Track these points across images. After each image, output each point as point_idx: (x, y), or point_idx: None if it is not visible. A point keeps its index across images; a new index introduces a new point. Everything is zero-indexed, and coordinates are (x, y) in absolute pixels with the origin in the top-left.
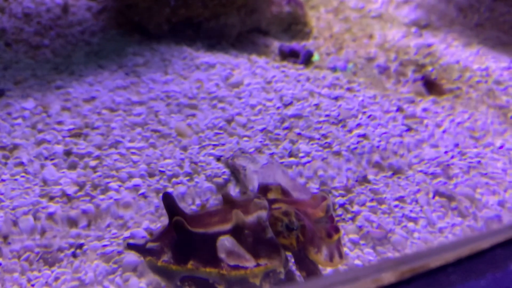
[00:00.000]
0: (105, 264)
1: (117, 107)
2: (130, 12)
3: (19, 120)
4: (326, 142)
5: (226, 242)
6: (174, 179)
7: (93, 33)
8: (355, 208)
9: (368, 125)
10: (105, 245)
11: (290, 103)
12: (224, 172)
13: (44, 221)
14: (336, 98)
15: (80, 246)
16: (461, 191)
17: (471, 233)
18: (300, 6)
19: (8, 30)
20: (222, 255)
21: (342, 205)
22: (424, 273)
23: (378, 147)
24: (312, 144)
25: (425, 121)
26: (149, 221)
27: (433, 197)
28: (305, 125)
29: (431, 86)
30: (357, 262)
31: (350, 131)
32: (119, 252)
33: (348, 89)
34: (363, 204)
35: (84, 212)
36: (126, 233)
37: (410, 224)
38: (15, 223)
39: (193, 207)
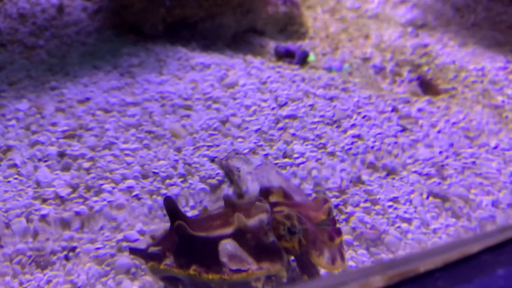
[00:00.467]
0: (98, 266)
1: (111, 108)
2: (125, 12)
3: (13, 122)
4: (320, 143)
5: (228, 246)
6: (167, 181)
7: (88, 34)
8: (349, 209)
9: (363, 125)
10: (98, 248)
11: (285, 104)
12: (218, 173)
13: (37, 223)
14: (331, 99)
15: (73, 249)
16: (455, 192)
17: (465, 234)
18: (296, 6)
19: (3, 31)
20: (224, 259)
21: (336, 206)
22: (412, 278)
23: (372, 147)
24: (307, 145)
25: (420, 122)
26: (143, 223)
27: (427, 198)
28: (299, 125)
29: (426, 86)
30: (351, 263)
31: (344, 131)
32: (112, 255)
33: (343, 90)
34: (357, 205)
35: (77, 214)
36: (119, 236)
37: (404, 225)
38: (7, 225)
39: (187, 208)
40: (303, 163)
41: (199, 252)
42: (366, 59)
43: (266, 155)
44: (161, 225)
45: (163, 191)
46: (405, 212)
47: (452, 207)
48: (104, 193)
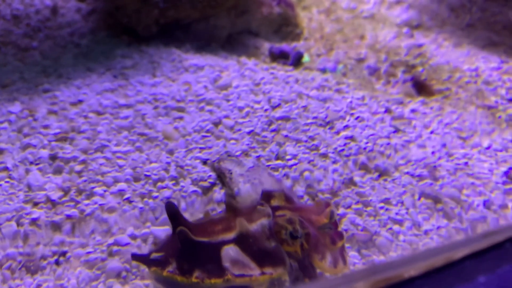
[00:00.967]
0: (88, 270)
1: (104, 110)
2: (118, 14)
3: (5, 124)
4: (313, 144)
5: (230, 251)
6: (159, 183)
7: (82, 35)
8: (341, 210)
9: (356, 126)
10: (89, 252)
11: (278, 105)
12: (210, 175)
13: (28, 227)
14: (325, 100)
15: (64, 253)
16: (447, 192)
17: (457, 235)
18: (291, 7)
19: None
20: (226, 264)
21: None
22: (394, 284)
23: (365, 148)
24: (299, 147)
25: (413, 122)
26: (133, 226)
27: (419, 199)
28: (292, 127)
29: (420, 87)
30: None
31: (337, 133)
32: (103, 259)
33: (337, 91)
34: (349, 207)
35: (69, 217)
36: (111, 240)
37: (396, 227)
38: None
39: None
40: (295, 164)
41: (201, 257)
42: (360, 60)
43: (258, 156)
44: (153, 228)
45: (155, 194)
46: (396, 213)
47: (444, 208)
48: (95, 196)
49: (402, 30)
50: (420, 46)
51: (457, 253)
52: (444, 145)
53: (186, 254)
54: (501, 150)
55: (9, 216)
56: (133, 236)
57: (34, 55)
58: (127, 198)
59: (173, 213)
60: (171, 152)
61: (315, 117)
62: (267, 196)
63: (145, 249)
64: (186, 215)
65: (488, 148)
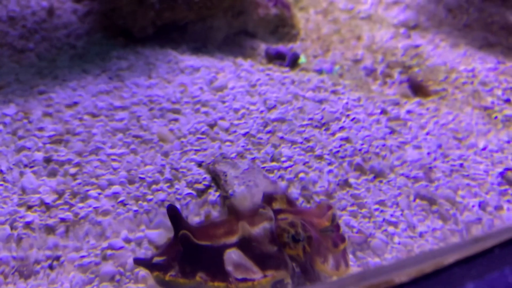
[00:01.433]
0: (82, 274)
1: (99, 112)
2: (114, 15)
3: (0, 127)
4: (308, 146)
5: (233, 255)
6: (154, 186)
7: (78, 37)
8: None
9: (352, 128)
10: (82, 256)
11: (274, 107)
12: (205, 178)
13: (21, 231)
14: (321, 101)
15: (57, 257)
16: (442, 194)
17: (452, 236)
18: (287, 8)
19: None
20: (229, 267)
21: None
22: None
23: (360, 150)
24: (295, 148)
25: (409, 123)
26: (128, 229)
27: (414, 200)
28: (288, 129)
29: (417, 87)
30: None
31: (333, 134)
32: (97, 263)
33: (333, 92)
34: (344, 209)
35: (63, 221)
36: (105, 244)
37: (391, 228)
38: None
39: None
40: (290, 166)
41: (204, 261)
42: (357, 61)
43: (253, 158)
44: (147, 232)
45: (149, 197)
46: (391, 215)
47: (439, 209)
48: (90, 199)
49: (399, 30)
50: (417, 46)
51: (447, 258)
52: (439, 146)
53: (188, 257)
54: (497, 151)
55: (3, 219)
56: (127, 240)
57: (30, 56)
58: (122, 201)
59: (175, 217)
60: (166, 154)
61: (310, 119)
62: (268, 198)
63: (139, 252)
64: None
65: (484, 149)
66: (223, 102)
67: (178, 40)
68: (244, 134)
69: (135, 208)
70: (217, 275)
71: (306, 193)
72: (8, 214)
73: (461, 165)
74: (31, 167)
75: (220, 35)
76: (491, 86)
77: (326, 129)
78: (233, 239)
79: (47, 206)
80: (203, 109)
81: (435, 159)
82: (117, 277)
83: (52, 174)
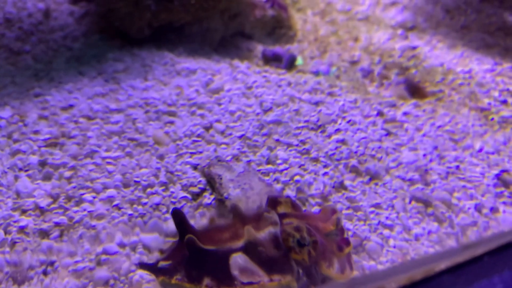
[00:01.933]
0: (76, 280)
1: (94, 115)
2: (111, 17)
3: None
4: (304, 148)
5: (239, 259)
6: (149, 189)
7: (75, 38)
8: None
9: (348, 130)
10: (77, 261)
11: (270, 109)
12: (200, 181)
13: (15, 235)
14: (317, 103)
15: (52, 263)
16: (438, 196)
17: (445, 240)
18: (284, 10)
19: None
20: (235, 272)
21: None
22: None
23: (356, 152)
24: (290, 151)
25: (405, 125)
26: (122, 232)
27: (409, 202)
28: (284, 131)
29: (413, 89)
30: None
31: (329, 136)
32: (91, 269)
33: (329, 94)
34: (320, 210)
35: (57, 225)
36: (99, 248)
37: (386, 231)
38: None
39: (167, 215)
40: (286, 169)
41: (210, 266)
42: (354, 62)
43: (249, 161)
44: (142, 236)
45: (144, 200)
46: (387, 217)
47: (435, 212)
48: (84, 203)
49: (396, 32)
50: (414, 48)
51: (439, 265)
52: (436, 148)
53: (194, 262)
54: (493, 153)
55: None
56: (122, 244)
57: (26, 58)
58: (116, 205)
59: (180, 221)
60: (161, 157)
61: (306, 121)
62: (273, 202)
63: (134, 257)
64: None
65: (480, 150)
66: (219, 104)
67: (175, 42)
68: (240, 137)
69: (130, 212)
70: (223, 279)
71: (302, 195)
72: (2, 219)
73: (457, 167)
74: (26, 170)
75: (217, 36)
76: (488, 88)
77: (322, 131)
78: (239, 243)
79: (42, 210)
80: (199, 111)
81: (431, 160)
82: (111, 282)
83: (47, 177)
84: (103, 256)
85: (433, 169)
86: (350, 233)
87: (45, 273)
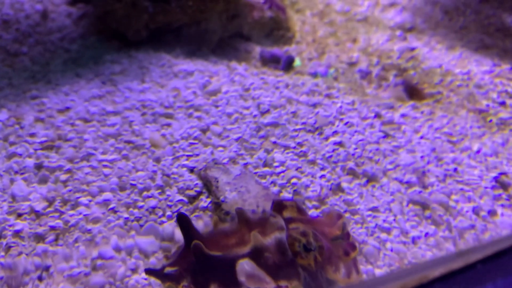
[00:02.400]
0: (71, 285)
1: (91, 117)
2: (108, 18)
3: None
4: (301, 151)
5: (245, 265)
6: (145, 193)
7: (72, 40)
8: None
9: (345, 132)
10: (72, 266)
11: (267, 111)
12: (196, 184)
13: (10, 239)
14: (314, 105)
15: (47, 268)
16: (435, 198)
17: (443, 243)
18: (282, 11)
19: None
20: (242, 278)
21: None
22: None
23: (353, 154)
24: (287, 153)
25: (403, 127)
26: (118, 235)
27: (407, 205)
28: (281, 133)
29: (411, 90)
30: None
31: (326, 138)
32: (87, 274)
33: (327, 96)
34: (326, 214)
35: (52, 229)
36: (95, 252)
37: (383, 235)
38: None
39: (164, 219)
40: (283, 171)
41: (216, 272)
42: (352, 64)
43: (246, 164)
44: (138, 239)
45: (140, 204)
46: (384, 220)
47: (432, 215)
48: (80, 207)
49: (395, 33)
50: (412, 49)
51: (433, 272)
52: (433, 150)
53: (200, 268)
54: (491, 155)
55: None
56: (118, 248)
57: (23, 60)
58: (112, 208)
59: (186, 226)
60: (157, 160)
61: (304, 123)
62: (278, 206)
63: (130, 262)
64: (172, 222)
65: (478, 152)
66: (216, 106)
67: (173, 43)
68: (237, 139)
69: (125, 215)
70: (230, 286)
71: (298, 198)
72: None
73: (455, 169)
74: (22, 173)
75: (215, 38)
76: (486, 89)
77: (320, 134)
78: (245, 249)
79: (37, 214)
80: (196, 113)
81: (428, 162)
82: (107, 286)
83: (43, 181)
84: (99, 261)
85: (431, 171)
86: None
87: (40, 278)
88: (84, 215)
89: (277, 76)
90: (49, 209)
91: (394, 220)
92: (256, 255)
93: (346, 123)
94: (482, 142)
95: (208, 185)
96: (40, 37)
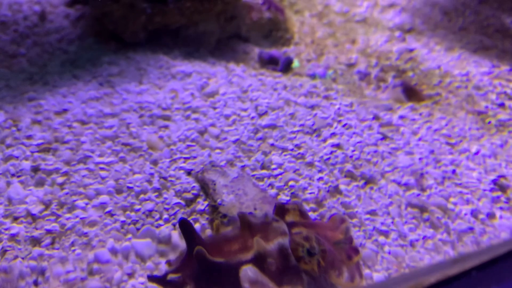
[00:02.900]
0: None
1: (88, 119)
2: (105, 20)
3: None
4: (299, 153)
5: (249, 271)
6: (142, 196)
7: (70, 41)
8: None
9: (343, 134)
10: (68, 271)
11: (265, 113)
12: (193, 186)
13: (6, 243)
14: (312, 107)
15: (42, 272)
16: (434, 201)
17: (441, 247)
18: (281, 12)
19: None
20: (245, 284)
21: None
22: None
23: (351, 156)
24: (285, 155)
25: (401, 129)
26: (114, 239)
27: (405, 208)
28: (279, 135)
29: (410, 92)
30: None
31: (324, 140)
32: (83, 279)
33: (325, 97)
34: (329, 219)
35: (49, 232)
36: (91, 255)
37: (381, 238)
38: None
39: (161, 222)
40: (280, 174)
41: (220, 278)
42: (351, 65)
43: (243, 166)
44: (134, 241)
45: (137, 207)
46: (382, 223)
47: (430, 217)
48: (77, 210)
49: (394, 34)
50: (411, 50)
51: (428, 279)
52: (432, 152)
53: (204, 275)
54: (489, 156)
55: None
56: (114, 252)
57: (21, 62)
58: (109, 211)
59: (189, 232)
60: (155, 162)
61: (302, 125)
62: (281, 209)
63: (126, 266)
64: (169, 225)
65: (476, 154)
66: (214, 108)
67: (170, 45)
68: (235, 141)
69: (122, 218)
70: None
71: (296, 200)
72: None
73: (454, 171)
74: (18, 176)
75: (213, 39)
76: (485, 90)
77: (317, 136)
78: (248, 255)
79: (33, 217)
80: (194, 115)
81: (426, 164)
82: None
83: (40, 183)
84: (95, 265)
85: (429, 173)
86: None
87: (35, 283)
88: (81, 218)
89: (275, 77)
90: (45, 212)
91: (392, 222)
92: (259, 261)
93: (344, 125)
94: (481, 144)
95: (205, 188)
96: (38, 38)
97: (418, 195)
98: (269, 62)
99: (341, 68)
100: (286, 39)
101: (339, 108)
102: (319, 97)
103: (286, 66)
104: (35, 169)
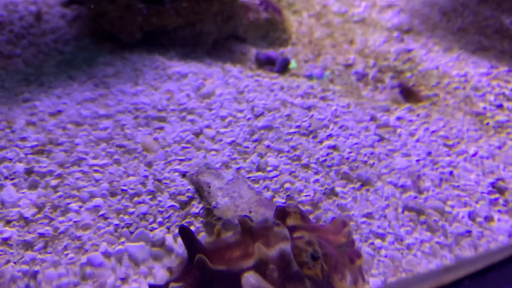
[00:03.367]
0: None
1: (83, 121)
2: (102, 20)
3: None
4: (295, 155)
5: (251, 278)
6: (136, 198)
7: (66, 42)
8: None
9: (340, 135)
10: (61, 275)
11: (261, 114)
12: (188, 189)
13: None
14: (309, 108)
15: (34, 276)
16: (431, 204)
17: (438, 251)
18: (278, 12)
19: None
20: None
21: None
22: None
23: (348, 158)
24: (281, 157)
25: (399, 130)
26: (108, 243)
27: (402, 212)
28: (275, 137)
29: (408, 93)
30: None
31: (320, 142)
32: (75, 284)
33: (322, 98)
34: (330, 222)
35: (41, 236)
36: (84, 259)
37: (377, 241)
38: None
39: (155, 225)
40: (276, 176)
41: (222, 286)
42: (348, 66)
43: (239, 168)
44: (127, 245)
45: (131, 210)
46: (378, 226)
47: (427, 220)
48: (70, 213)
49: (392, 34)
50: (409, 51)
51: (423, 286)
52: (429, 154)
53: (206, 283)
54: (487, 158)
55: None
56: (107, 255)
57: (17, 62)
58: (103, 215)
59: (189, 239)
60: (149, 164)
61: (298, 126)
62: (281, 213)
63: (120, 271)
64: (163, 229)
65: (474, 155)
66: (210, 109)
67: (167, 45)
68: (230, 143)
69: (116, 222)
70: None
71: (291, 203)
72: None
73: (451, 173)
74: (12, 179)
75: (210, 40)
76: (483, 91)
77: (314, 137)
78: (250, 261)
79: (26, 221)
80: (189, 117)
81: (424, 166)
82: None
83: (33, 186)
84: (88, 269)
85: (426, 175)
86: None
87: None
88: (74, 221)
89: (272, 78)
90: (38, 215)
91: (389, 225)
92: (261, 267)
93: (341, 127)
94: (479, 146)
95: (200, 191)
96: (33, 38)
97: (415, 197)
98: (266, 63)
99: (338, 69)
100: (284, 39)
101: (336, 109)
102: (316, 98)
103: (283, 67)
104: (29, 171)
